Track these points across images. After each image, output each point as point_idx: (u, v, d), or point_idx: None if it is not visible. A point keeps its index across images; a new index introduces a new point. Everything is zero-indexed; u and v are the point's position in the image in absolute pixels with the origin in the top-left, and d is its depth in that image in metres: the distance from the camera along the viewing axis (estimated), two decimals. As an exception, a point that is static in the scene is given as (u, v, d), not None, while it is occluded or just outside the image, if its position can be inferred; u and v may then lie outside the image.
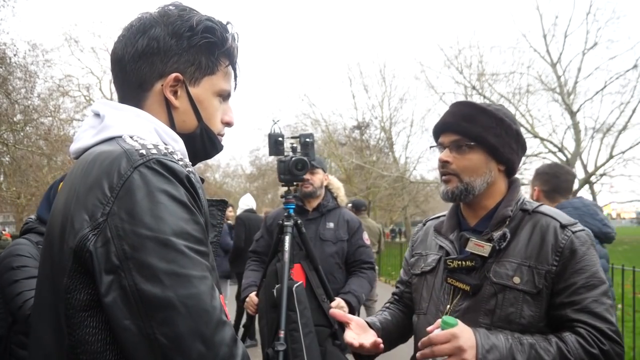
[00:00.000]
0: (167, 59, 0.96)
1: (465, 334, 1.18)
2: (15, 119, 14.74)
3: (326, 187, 3.00)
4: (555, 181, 2.78)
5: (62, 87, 19.52)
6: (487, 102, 1.62)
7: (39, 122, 15.85)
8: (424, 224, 1.66)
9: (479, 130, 1.37)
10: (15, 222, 20.46)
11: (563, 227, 1.32)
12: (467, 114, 1.40)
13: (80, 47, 21.84)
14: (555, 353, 1.19)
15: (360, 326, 1.46)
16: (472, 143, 1.38)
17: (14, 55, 14.26)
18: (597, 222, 2.63)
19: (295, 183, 2.63)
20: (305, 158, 2.56)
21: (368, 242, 3.00)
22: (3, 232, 9.43)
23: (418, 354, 1.24)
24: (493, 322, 1.29)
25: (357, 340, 1.39)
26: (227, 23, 1.03)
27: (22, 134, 15.62)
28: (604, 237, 2.68)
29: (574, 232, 1.30)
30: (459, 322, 1.21)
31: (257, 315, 2.79)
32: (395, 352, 1.67)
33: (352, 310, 2.66)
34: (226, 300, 5.33)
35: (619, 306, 5.59)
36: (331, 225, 2.86)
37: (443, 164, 1.42)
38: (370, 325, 1.50)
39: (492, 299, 1.30)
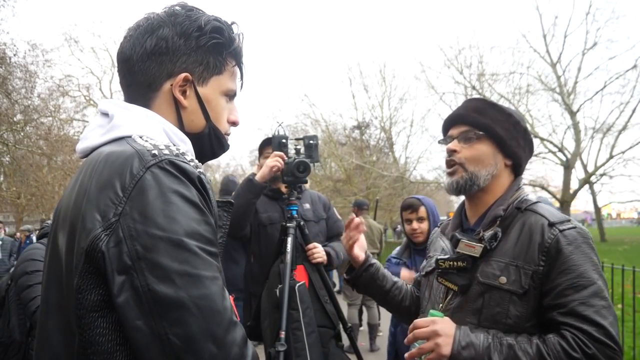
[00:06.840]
0: (175, 58, 0.95)
1: (445, 324, 1.26)
2: (15, 119, 14.73)
3: None
4: None
5: (62, 87, 19.51)
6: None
7: (39, 122, 15.84)
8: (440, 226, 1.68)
9: (488, 121, 1.40)
10: (15, 222, 20.43)
11: (551, 225, 1.27)
12: (478, 107, 1.44)
13: (80, 47, 21.87)
14: (534, 354, 1.17)
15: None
16: (480, 132, 1.41)
17: (14, 55, 14.26)
18: None
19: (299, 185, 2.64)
20: (307, 160, 2.55)
21: (340, 217, 3.13)
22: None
23: (406, 340, 1.32)
24: (480, 321, 1.29)
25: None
26: (233, 23, 1.03)
27: (22, 134, 15.60)
28: None
29: (561, 231, 1.25)
30: (445, 317, 1.30)
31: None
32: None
33: (331, 261, 2.72)
34: None
35: (619, 306, 5.59)
36: (307, 205, 2.88)
37: (450, 152, 1.43)
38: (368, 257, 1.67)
39: (479, 298, 1.30)
